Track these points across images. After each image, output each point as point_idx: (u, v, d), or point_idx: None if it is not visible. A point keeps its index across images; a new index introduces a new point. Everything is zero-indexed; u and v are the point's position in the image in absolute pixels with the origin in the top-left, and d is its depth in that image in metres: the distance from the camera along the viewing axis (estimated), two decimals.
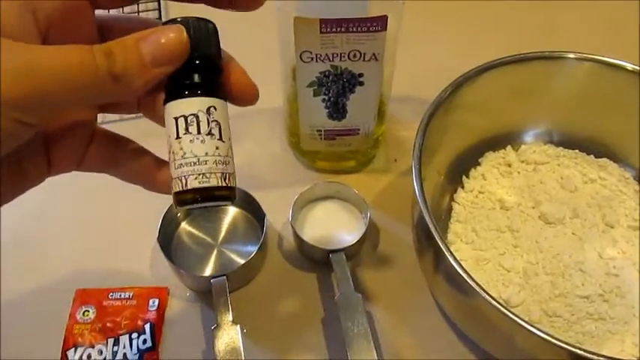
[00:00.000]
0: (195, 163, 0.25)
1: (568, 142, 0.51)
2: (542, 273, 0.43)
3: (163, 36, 0.24)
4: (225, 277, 0.43)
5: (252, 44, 0.64)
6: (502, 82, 0.46)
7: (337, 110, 0.46)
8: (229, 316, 0.42)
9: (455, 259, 0.36)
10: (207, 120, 0.26)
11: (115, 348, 0.43)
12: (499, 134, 0.51)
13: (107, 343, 0.43)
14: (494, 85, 0.46)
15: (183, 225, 0.49)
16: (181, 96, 0.26)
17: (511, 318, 0.33)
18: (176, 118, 0.25)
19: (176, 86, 0.26)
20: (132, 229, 0.50)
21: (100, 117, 0.61)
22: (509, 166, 0.51)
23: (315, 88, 0.44)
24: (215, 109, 0.26)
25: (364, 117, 0.47)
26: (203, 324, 0.45)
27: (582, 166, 0.50)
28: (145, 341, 0.43)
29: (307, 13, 0.39)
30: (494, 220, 0.47)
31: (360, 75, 0.43)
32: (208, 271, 0.47)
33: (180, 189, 0.26)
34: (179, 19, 0.25)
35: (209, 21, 0.26)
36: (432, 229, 0.37)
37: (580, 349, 0.32)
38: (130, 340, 0.43)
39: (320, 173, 0.54)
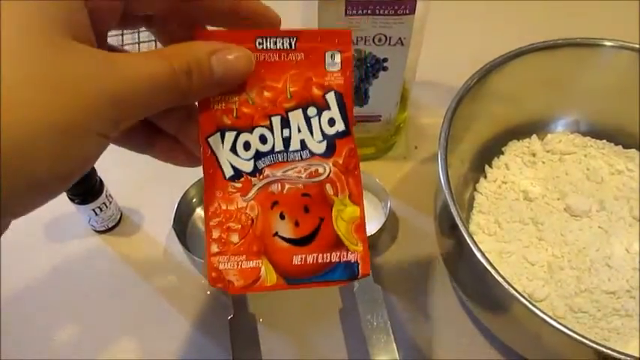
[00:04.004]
0: None
1: (596, 131, 0.50)
2: (567, 267, 0.42)
3: (232, 53, 0.24)
4: None
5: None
6: (532, 70, 0.44)
7: (359, 96, 0.45)
8: (247, 306, 0.41)
9: (480, 251, 0.35)
10: None
11: (285, 132, 0.26)
12: (524, 122, 0.50)
13: (271, 123, 0.26)
14: (523, 73, 0.44)
15: (199, 211, 0.48)
16: None
17: (537, 314, 0.32)
18: None
19: None
20: (146, 214, 0.49)
21: None
22: (534, 155, 0.49)
23: None
24: None
25: (386, 103, 0.46)
26: (218, 312, 0.44)
27: (609, 157, 0.49)
28: (331, 121, 0.26)
29: None
30: (517, 212, 0.45)
31: (385, 60, 0.42)
32: None
33: None
34: None
35: None
36: (457, 220, 0.36)
37: (607, 347, 0.31)
38: (306, 118, 0.26)
39: None
